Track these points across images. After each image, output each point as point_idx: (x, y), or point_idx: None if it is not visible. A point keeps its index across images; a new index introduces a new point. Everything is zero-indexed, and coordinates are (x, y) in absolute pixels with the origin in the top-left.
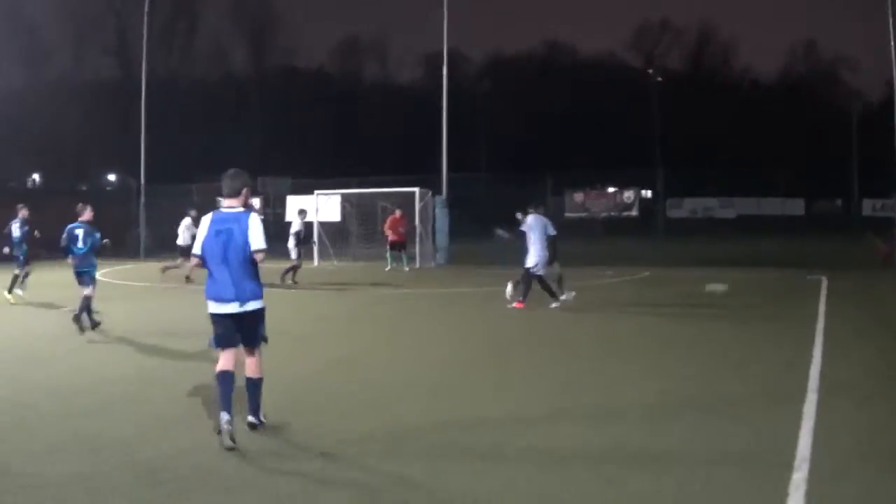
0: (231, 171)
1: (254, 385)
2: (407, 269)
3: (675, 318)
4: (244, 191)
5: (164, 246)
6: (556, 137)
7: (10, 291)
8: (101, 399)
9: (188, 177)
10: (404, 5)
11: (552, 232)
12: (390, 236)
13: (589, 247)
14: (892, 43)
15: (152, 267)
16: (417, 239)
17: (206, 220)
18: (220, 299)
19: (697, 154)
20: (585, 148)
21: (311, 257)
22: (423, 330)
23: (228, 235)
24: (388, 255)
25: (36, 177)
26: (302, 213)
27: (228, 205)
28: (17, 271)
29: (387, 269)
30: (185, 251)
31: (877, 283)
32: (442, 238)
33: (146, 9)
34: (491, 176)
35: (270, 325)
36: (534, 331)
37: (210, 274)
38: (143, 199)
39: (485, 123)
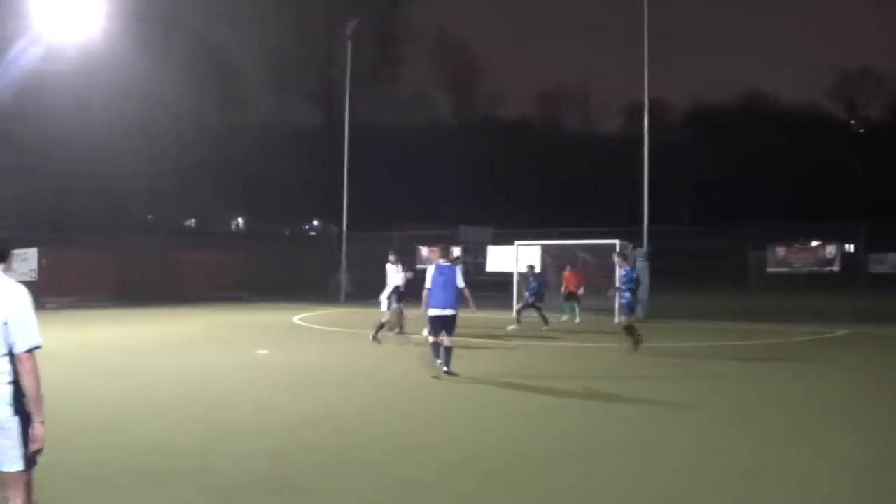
0: (443, 245)
1: (448, 350)
2: (578, 321)
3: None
4: (448, 252)
5: (364, 293)
6: (758, 189)
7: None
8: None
9: (389, 224)
10: (606, 55)
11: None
12: (574, 288)
13: (790, 302)
14: None
15: (351, 312)
16: (618, 293)
17: (432, 268)
18: (439, 307)
19: None
20: (787, 200)
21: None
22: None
23: (446, 277)
24: (566, 306)
25: (240, 220)
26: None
27: (444, 260)
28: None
29: (563, 318)
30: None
31: None
32: (642, 291)
33: (349, 56)
34: (692, 228)
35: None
36: (714, 390)
37: (434, 296)
38: (344, 245)
39: (687, 174)
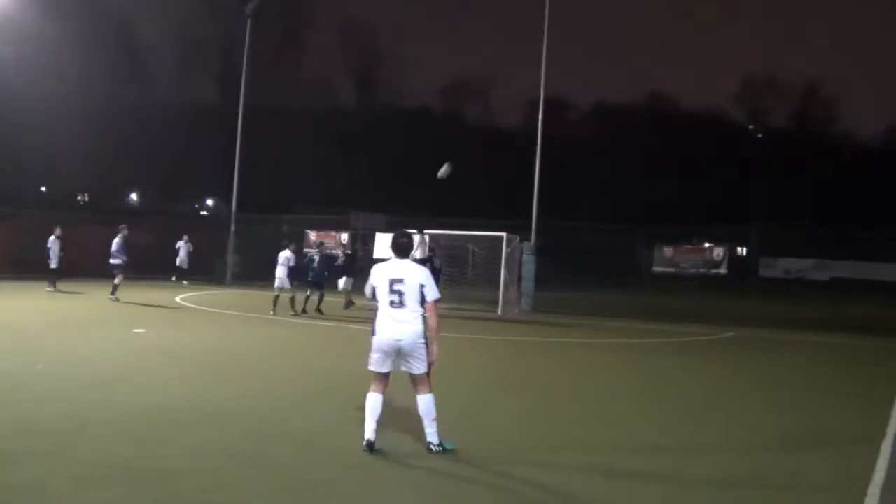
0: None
1: None
2: None
3: (755, 378)
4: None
5: (252, 274)
6: (654, 189)
7: None
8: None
9: (285, 207)
10: (510, 49)
11: None
12: None
13: (678, 302)
14: None
15: (235, 294)
16: (502, 285)
17: None
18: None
19: (794, 214)
20: (681, 201)
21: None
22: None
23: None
24: None
25: (133, 196)
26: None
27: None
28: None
29: None
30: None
31: None
32: (528, 285)
33: (247, 37)
34: (584, 225)
35: None
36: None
37: None
38: (233, 226)
39: (585, 171)
